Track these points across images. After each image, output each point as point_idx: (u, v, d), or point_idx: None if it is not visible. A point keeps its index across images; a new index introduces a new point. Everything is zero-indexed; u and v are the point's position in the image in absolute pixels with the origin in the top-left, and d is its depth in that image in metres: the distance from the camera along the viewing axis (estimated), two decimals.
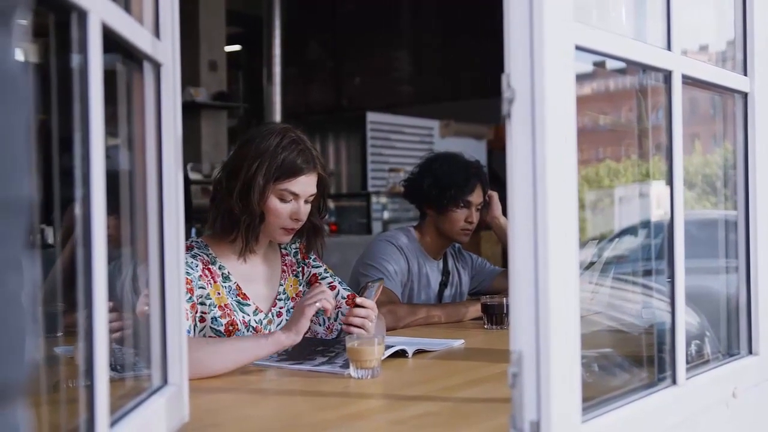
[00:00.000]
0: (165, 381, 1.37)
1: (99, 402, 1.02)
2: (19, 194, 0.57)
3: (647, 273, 1.93)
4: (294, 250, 2.43)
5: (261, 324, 2.26)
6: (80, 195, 1.02)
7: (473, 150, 6.40)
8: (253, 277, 2.30)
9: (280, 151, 2.17)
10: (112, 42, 1.12)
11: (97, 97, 1.03)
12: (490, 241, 6.78)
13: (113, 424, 1.09)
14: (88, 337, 1.01)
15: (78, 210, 1.01)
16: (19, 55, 0.60)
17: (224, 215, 2.21)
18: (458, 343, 2.34)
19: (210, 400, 1.71)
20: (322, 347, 2.13)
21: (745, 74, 1.81)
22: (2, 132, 0.56)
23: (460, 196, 2.98)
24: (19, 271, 0.57)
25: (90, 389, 1.01)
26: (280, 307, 2.34)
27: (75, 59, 1.02)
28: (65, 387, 1.37)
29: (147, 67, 1.34)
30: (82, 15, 1.00)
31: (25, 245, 0.58)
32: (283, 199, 2.20)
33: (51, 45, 1.05)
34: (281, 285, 2.36)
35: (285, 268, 2.39)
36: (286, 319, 2.30)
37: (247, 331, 2.21)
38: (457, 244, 3.20)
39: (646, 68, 1.57)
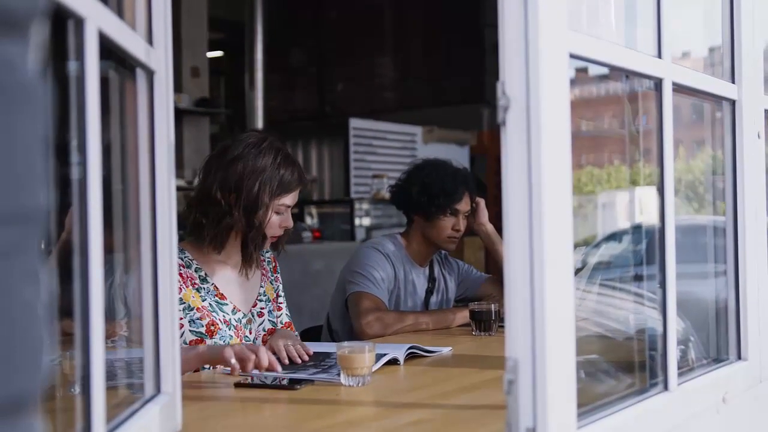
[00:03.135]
0: (158, 390, 1.36)
1: (95, 411, 1.01)
2: (36, 204, 0.57)
3: (634, 279, 1.94)
4: (268, 259, 2.51)
5: (240, 323, 2.32)
6: (76, 202, 1.01)
7: (456, 156, 6.40)
8: (233, 278, 2.35)
9: (279, 169, 2.27)
10: (106, 49, 1.11)
11: (94, 104, 1.02)
12: (473, 247, 6.78)
13: None
14: (84, 347, 1.01)
15: (74, 218, 1.01)
16: (36, 65, 0.60)
17: (224, 231, 2.26)
18: (447, 351, 2.35)
19: (202, 408, 1.70)
20: (313, 361, 2.12)
21: (733, 82, 1.83)
22: (20, 142, 0.56)
23: (449, 204, 2.98)
24: (36, 281, 0.57)
25: (86, 398, 1.01)
26: (261, 308, 2.41)
27: (71, 66, 1.02)
28: (57, 395, 1.37)
29: (140, 75, 1.34)
30: (79, 22, 1.00)
31: (40, 255, 0.58)
32: (278, 213, 2.30)
33: (46, 52, 1.04)
34: (261, 287, 2.43)
35: (264, 271, 2.47)
36: (269, 320, 2.41)
37: (229, 329, 2.27)
38: (443, 251, 3.20)
39: (637, 76, 1.58)
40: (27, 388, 0.55)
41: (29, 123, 0.57)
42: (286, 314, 2.51)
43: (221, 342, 2.22)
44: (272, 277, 2.50)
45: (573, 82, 1.51)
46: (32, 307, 0.56)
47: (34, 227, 0.56)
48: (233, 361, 1.91)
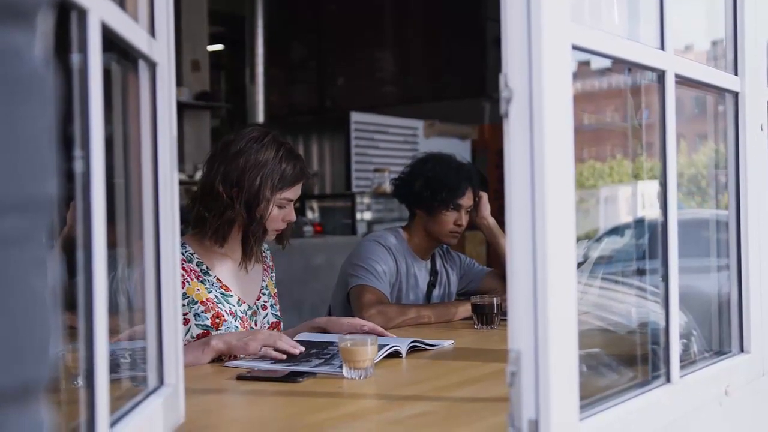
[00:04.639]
0: (161, 382, 1.36)
1: (99, 403, 1.01)
2: (44, 193, 0.57)
3: (636, 273, 1.94)
4: (267, 255, 2.54)
5: (246, 314, 2.34)
6: (80, 195, 1.01)
7: (457, 150, 6.40)
8: (235, 272, 2.37)
9: (280, 163, 2.28)
10: (108, 41, 1.11)
11: (97, 96, 1.02)
12: (474, 241, 6.80)
13: (113, 424, 1.09)
14: (88, 339, 1.01)
15: (78, 211, 1.00)
16: (43, 53, 0.60)
17: (226, 224, 2.28)
18: (449, 344, 2.35)
19: (205, 400, 1.71)
20: (315, 350, 2.12)
21: (736, 74, 1.82)
22: (28, 131, 0.56)
23: (452, 199, 2.98)
24: (44, 270, 0.57)
25: (90, 390, 1.01)
26: (264, 301, 2.44)
27: (74, 58, 1.01)
28: (60, 388, 1.37)
29: (142, 67, 1.34)
30: (82, 14, 0.99)
31: (48, 244, 0.58)
32: (280, 207, 2.31)
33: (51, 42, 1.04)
34: (263, 281, 2.46)
35: (265, 266, 2.50)
36: (272, 313, 2.44)
37: (235, 320, 2.28)
38: (445, 245, 3.20)
39: (640, 68, 1.57)
40: (35, 376, 0.56)
41: (37, 112, 0.57)
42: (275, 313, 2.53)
43: None
44: (272, 274, 2.53)
45: (575, 76, 1.50)
46: (40, 295, 0.56)
47: (42, 216, 0.57)
48: (262, 351, 2.06)
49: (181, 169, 7.38)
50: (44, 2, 0.60)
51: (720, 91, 1.83)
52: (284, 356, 2.04)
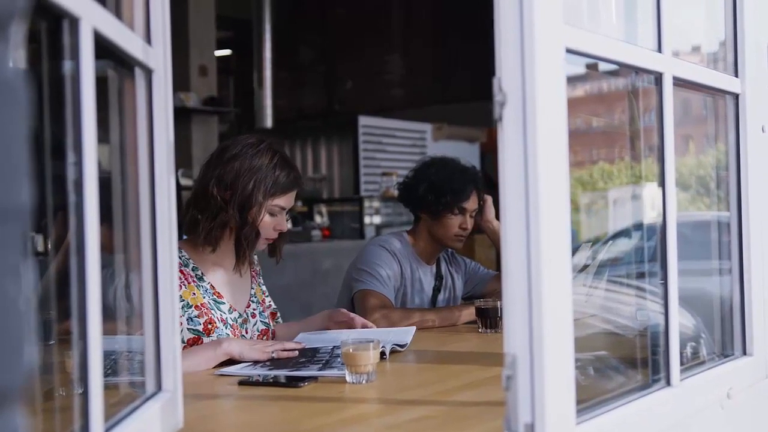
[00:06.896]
0: (159, 387, 1.37)
1: (94, 408, 1.01)
2: (18, 201, 0.57)
3: (641, 275, 1.93)
4: (255, 262, 2.56)
5: (236, 322, 2.36)
6: (73, 202, 1.02)
7: (466, 153, 6.41)
8: (227, 279, 2.39)
9: (274, 170, 2.30)
10: (103, 48, 1.11)
11: (89, 104, 1.02)
12: (484, 245, 6.78)
13: (109, 430, 1.09)
14: (82, 345, 1.01)
15: (71, 217, 1.01)
16: (16, 63, 0.60)
17: (218, 227, 2.29)
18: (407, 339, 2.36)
19: (204, 406, 1.71)
20: (304, 359, 2.12)
21: (736, 75, 1.82)
22: (2, 139, 0.56)
23: (456, 203, 2.97)
24: (18, 277, 0.57)
25: (85, 396, 1.01)
26: (253, 309, 2.45)
27: (66, 65, 1.02)
28: (58, 395, 1.37)
29: (138, 74, 1.34)
30: (74, 22, 1.00)
31: (23, 252, 0.58)
32: (272, 214, 2.33)
33: (42, 51, 1.04)
34: (252, 288, 2.48)
35: (254, 274, 2.51)
36: (260, 321, 2.45)
37: (225, 328, 2.30)
38: (450, 249, 3.20)
39: (637, 70, 1.57)
40: (8, 383, 0.56)
41: (11, 121, 0.57)
42: (263, 319, 2.54)
43: None
44: (259, 279, 2.55)
45: (584, 78, 1.50)
46: (14, 302, 0.56)
47: (16, 223, 0.57)
48: (275, 354, 2.14)
49: (188, 175, 7.39)
50: (17, 12, 0.60)
51: (720, 93, 1.83)
52: (296, 353, 2.15)
